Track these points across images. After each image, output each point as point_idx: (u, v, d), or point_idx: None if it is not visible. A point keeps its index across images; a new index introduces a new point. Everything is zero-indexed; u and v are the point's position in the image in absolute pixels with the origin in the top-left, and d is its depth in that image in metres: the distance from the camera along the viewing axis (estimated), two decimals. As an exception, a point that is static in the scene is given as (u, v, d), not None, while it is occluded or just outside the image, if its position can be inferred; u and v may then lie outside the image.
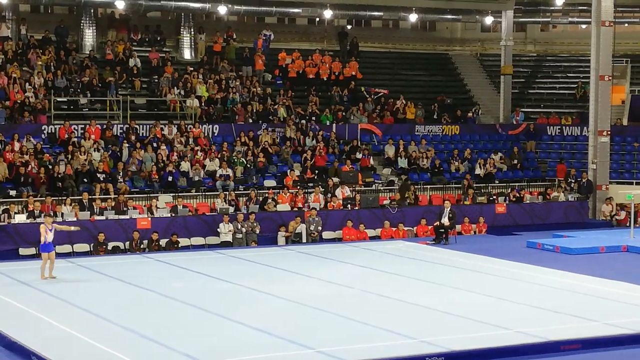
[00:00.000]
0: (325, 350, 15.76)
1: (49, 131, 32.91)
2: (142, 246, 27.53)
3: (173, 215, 29.05)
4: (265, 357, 15.44)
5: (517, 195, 34.33)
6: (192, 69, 37.95)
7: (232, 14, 40.85)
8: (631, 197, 30.56)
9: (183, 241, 28.41)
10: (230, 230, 28.78)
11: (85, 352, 15.80)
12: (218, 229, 28.83)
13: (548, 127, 41.20)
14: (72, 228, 24.73)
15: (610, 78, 36.12)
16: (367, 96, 39.66)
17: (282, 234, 29.62)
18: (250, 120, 36.18)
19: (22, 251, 26.73)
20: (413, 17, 42.06)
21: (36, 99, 33.78)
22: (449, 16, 44.00)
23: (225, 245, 28.64)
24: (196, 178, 31.70)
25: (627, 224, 33.40)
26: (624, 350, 16.58)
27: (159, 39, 40.38)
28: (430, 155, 36.24)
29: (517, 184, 36.15)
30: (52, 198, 28.54)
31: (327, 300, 20.12)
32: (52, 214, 26.17)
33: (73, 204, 28.25)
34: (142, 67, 37.86)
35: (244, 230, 28.91)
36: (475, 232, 31.96)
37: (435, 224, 29.70)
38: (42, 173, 29.70)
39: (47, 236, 22.56)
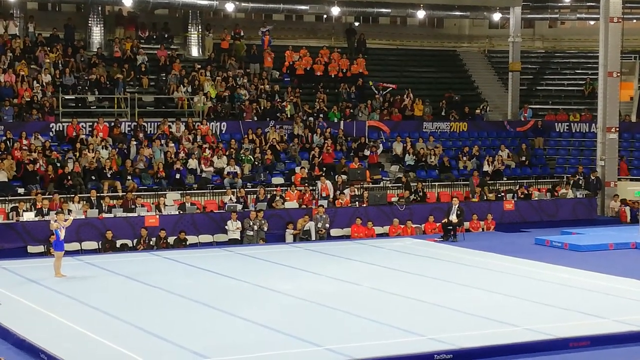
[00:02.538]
0: (334, 347, 15.76)
1: (57, 129, 32.95)
2: (150, 243, 27.55)
3: (181, 212, 29.06)
4: (273, 354, 15.45)
5: (526, 192, 34.28)
6: (199, 66, 37.96)
7: (240, 11, 40.80)
8: (640, 194, 30.58)
9: (191, 239, 28.42)
10: (237, 228, 28.76)
11: (94, 349, 15.82)
12: (226, 227, 28.84)
13: (556, 124, 41.13)
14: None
15: (618, 74, 36.06)
16: (376, 92, 39.65)
17: (290, 231, 29.61)
18: (256, 118, 36.14)
19: (31, 249, 26.76)
20: (421, 14, 42.00)
21: (44, 97, 33.83)
22: (457, 13, 43.94)
23: (233, 242, 28.65)
24: (204, 175, 31.71)
25: (628, 220, 33.51)
26: (632, 347, 16.54)
27: (166, 36, 40.39)
28: (438, 152, 36.20)
29: (525, 180, 36.10)
30: (61, 196, 28.59)
31: (335, 298, 20.11)
32: (64, 210, 26.25)
33: (81, 202, 28.30)
34: (150, 64, 37.88)
35: (255, 227, 28.90)
36: (483, 229, 31.92)
37: (443, 221, 29.67)
38: (50, 171, 29.75)
39: (61, 234, 22.58)
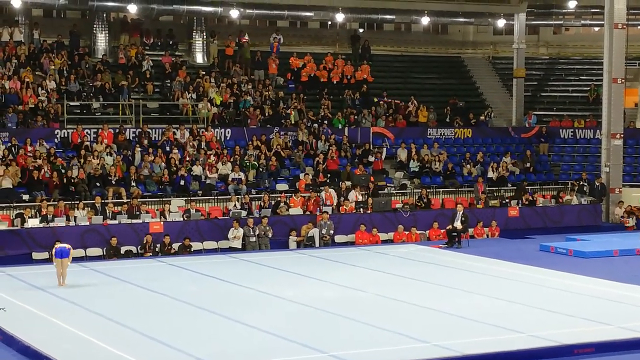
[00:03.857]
0: (338, 354, 15.74)
1: (62, 135, 32.99)
2: (156, 249, 27.55)
3: (185, 219, 29.07)
4: (277, 361, 15.47)
5: (530, 198, 34.24)
6: (204, 72, 37.99)
7: (244, 18, 40.85)
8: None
9: (196, 245, 28.42)
10: (235, 237, 28.60)
11: (99, 356, 15.82)
12: (228, 235, 28.73)
13: (561, 130, 41.12)
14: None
15: (623, 81, 36.04)
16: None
17: (294, 238, 29.59)
18: (260, 124, 36.13)
19: (35, 255, 26.76)
20: (425, 20, 42.03)
21: (49, 103, 33.87)
22: (461, 19, 43.93)
23: (235, 249, 28.58)
24: (208, 182, 31.72)
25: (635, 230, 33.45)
26: (637, 354, 16.49)
27: (171, 42, 40.46)
28: (442, 159, 36.19)
29: (530, 187, 36.05)
30: (65, 202, 28.60)
31: (340, 304, 20.10)
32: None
33: (86, 208, 28.31)
34: (155, 71, 37.94)
35: (256, 233, 28.88)
36: (487, 236, 31.86)
37: (447, 228, 29.65)
38: (55, 177, 29.78)
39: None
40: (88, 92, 35.38)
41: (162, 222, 28.49)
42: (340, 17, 40.38)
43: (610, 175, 35.84)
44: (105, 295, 21.34)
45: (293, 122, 36.71)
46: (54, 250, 22.46)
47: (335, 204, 31.36)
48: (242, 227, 28.74)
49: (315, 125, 36.78)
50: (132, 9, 37.00)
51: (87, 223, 27.53)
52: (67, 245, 22.52)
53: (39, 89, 34.36)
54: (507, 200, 33.94)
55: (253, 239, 28.81)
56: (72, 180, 29.90)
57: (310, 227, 29.66)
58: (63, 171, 30.28)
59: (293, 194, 31.67)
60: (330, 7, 39.92)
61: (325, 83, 40.34)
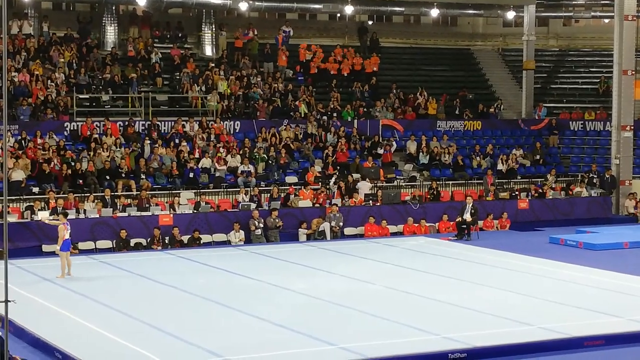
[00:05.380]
0: (347, 346, 15.76)
1: (72, 128, 33.04)
2: (166, 242, 27.58)
3: (195, 211, 29.09)
4: (287, 353, 15.46)
5: (540, 190, 34.17)
6: (213, 65, 37.98)
7: (253, 10, 40.81)
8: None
9: (205, 237, 28.44)
10: (240, 240, 28.61)
11: (109, 348, 15.86)
12: (228, 237, 28.70)
13: (571, 122, 41.02)
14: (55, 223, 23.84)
15: (633, 72, 35.91)
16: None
17: (304, 230, 29.59)
18: (267, 117, 36.09)
19: (45, 248, 26.80)
20: (434, 12, 41.91)
21: (58, 96, 33.91)
22: (471, 11, 43.83)
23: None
24: (218, 174, 31.74)
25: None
26: (648, 346, 16.50)
27: (180, 35, 40.44)
28: (452, 151, 36.14)
29: (539, 179, 35.99)
30: (75, 195, 28.66)
31: (349, 297, 20.11)
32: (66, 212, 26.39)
33: (96, 201, 28.36)
34: (164, 63, 37.93)
35: (261, 226, 28.84)
36: (497, 228, 31.82)
37: (457, 220, 29.62)
38: (64, 170, 29.84)
39: (65, 234, 22.62)
40: (97, 84, 35.41)
41: (171, 215, 28.52)
42: (349, 10, 40.27)
43: (620, 167, 35.74)
44: (115, 288, 21.39)
45: (302, 114, 36.69)
46: (61, 240, 22.52)
47: (342, 201, 31.26)
48: (243, 228, 28.64)
49: (325, 117, 36.76)
50: (142, 1, 36.90)
51: (97, 215, 27.58)
52: (66, 229, 22.56)
53: (49, 81, 34.41)
54: (517, 193, 33.92)
55: (258, 232, 28.76)
56: (82, 173, 29.96)
57: (321, 221, 29.64)
58: (73, 164, 30.34)
59: (302, 187, 31.66)
60: (339, -1, 39.89)
61: (335, 75, 40.28)
